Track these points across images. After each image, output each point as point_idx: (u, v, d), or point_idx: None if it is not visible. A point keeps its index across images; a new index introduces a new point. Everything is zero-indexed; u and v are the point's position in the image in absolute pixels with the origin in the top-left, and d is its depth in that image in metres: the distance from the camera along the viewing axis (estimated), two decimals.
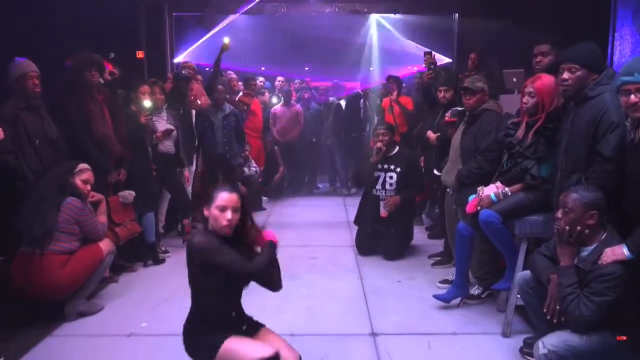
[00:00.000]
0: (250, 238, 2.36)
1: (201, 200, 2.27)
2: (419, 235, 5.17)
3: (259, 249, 2.35)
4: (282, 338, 2.38)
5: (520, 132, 3.11)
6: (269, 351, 2.16)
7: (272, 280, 2.37)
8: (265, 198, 7.10)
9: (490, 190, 3.16)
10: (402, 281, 4.06)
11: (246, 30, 8.67)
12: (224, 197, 2.22)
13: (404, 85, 6.91)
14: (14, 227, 3.22)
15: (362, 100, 7.78)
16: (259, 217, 5.52)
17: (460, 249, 3.40)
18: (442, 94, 4.23)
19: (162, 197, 4.80)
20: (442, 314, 3.42)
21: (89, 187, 3.46)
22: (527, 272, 2.73)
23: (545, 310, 2.46)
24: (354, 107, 7.73)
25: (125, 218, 4.05)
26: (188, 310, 2.25)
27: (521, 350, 2.83)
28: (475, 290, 3.60)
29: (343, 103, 7.94)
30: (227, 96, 5.80)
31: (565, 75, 2.68)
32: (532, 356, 2.57)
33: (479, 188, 3.23)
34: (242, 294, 2.38)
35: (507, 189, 3.12)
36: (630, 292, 2.26)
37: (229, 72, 7.13)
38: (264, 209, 6.69)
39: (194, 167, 5.36)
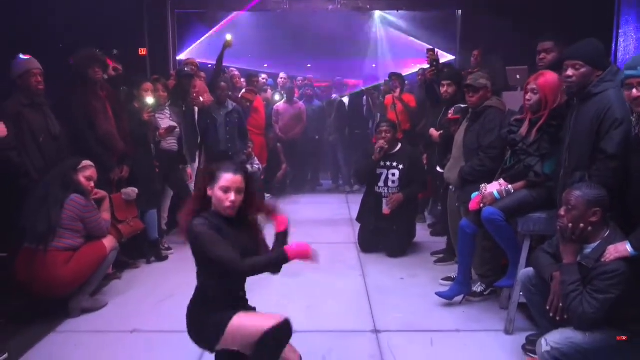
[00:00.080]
0: (254, 221, 2.33)
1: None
2: (422, 232, 5.17)
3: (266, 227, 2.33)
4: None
5: (523, 129, 3.11)
6: (279, 319, 2.14)
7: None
8: (268, 195, 7.10)
9: (493, 188, 3.15)
10: (404, 278, 4.06)
11: (249, 27, 8.67)
12: (228, 178, 2.18)
13: (406, 82, 6.89)
14: (18, 224, 3.24)
15: (364, 98, 7.76)
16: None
17: (462, 247, 3.40)
18: (444, 89, 4.22)
19: (164, 194, 4.81)
20: (445, 311, 3.42)
21: (92, 184, 3.47)
22: (530, 270, 2.73)
23: (548, 307, 2.46)
24: (356, 104, 7.72)
25: (128, 215, 4.06)
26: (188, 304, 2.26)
27: (524, 348, 2.83)
28: (477, 288, 3.60)
29: (346, 100, 7.93)
30: (230, 93, 5.80)
31: (569, 72, 2.67)
32: (534, 353, 2.56)
33: (482, 185, 3.22)
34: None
35: (510, 186, 3.12)
36: (633, 289, 2.25)
37: (231, 69, 7.13)
38: None
39: (196, 165, 5.36)
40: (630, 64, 2.34)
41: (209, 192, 2.22)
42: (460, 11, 7.33)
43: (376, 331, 3.15)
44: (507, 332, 3.07)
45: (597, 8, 5.39)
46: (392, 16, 9.14)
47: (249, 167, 6.19)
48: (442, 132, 4.30)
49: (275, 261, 2.20)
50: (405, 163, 4.60)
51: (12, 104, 3.43)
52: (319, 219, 6.09)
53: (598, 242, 2.36)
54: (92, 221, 3.39)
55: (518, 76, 4.52)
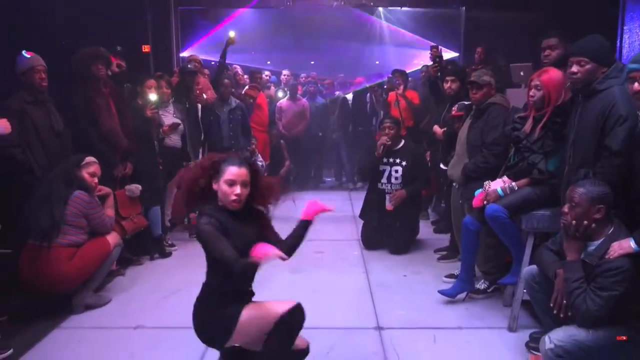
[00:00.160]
0: (261, 211, 2.32)
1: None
2: (425, 229, 5.17)
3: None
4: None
5: (527, 127, 3.09)
6: (291, 304, 2.15)
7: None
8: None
9: (497, 185, 3.14)
10: (407, 275, 4.06)
11: (252, 24, 8.67)
12: (233, 171, 2.16)
13: (410, 79, 6.88)
14: (22, 221, 3.25)
15: (368, 95, 7.75)
16: None
17: (466, 244, 3.40)
18: (448, 85, 4.21)
19: (168, 191, 4.81)
20: (448, 308, 3.42)
21: (96, 180, 3.48)
22: (534, 267, 2.72)
23: (551, 304, 2.45)
24: (360, 101, 7.71)
25: (132, 212, 4.07)
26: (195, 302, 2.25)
27: (527, 345, 2.82)
28: (481, 285, 3.59)
29: (350, 97, 7.92)
30: (233, 90, 5.80)
31: (574, 68, 2.65)
32: (538, 351, 2.56)
33: (486, 182, 3.21)
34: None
35: (514, 183, 3.11)
36: (637, 286, 2.24)
37: (234, 66, 7.13)
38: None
39: None
40: (636, 58, 2.35)
41: (214, 186, 2.19)
42: (463, 8, 7.31)
43: (379, 328, 3.15)
44: (511, 329, 3.06)
45: (601, 4, 5.36)
46: (395, 13, 9.12)
47: None
48: (445, 129, 4.29)
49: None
50: (409, 160, 4.59)
51: (16, 101, 3.44)
52: (322, 216, 5.99)
53: (602, 239, 2.35)
54: (96, 217, 3.40)
55: (522, 73, 4.50)
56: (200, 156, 5.41)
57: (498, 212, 3.04)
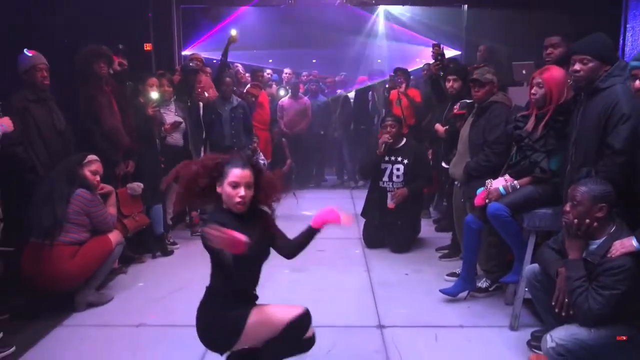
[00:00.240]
0: (266, 213, 2.30)
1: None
2: (427, 228, 5.16)
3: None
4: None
5: (529, 125, 3.09)
6: (300, 309, 2.15)
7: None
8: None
9: (499, 183, 3.14)
10: (409, 274, 4.06)
11: (253, 22, 8.66)
12: (237, 173, 2.14)
13: (412, 77, 6.87)
14: (24, 219, 3.25)
15: (370, 93, 7.75)
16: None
17: (468, 242, 3.39)
18: (450, 84, 4.20)
19: (170, 189, 4.81)
20: (450, 306, 3.42)
21: (98, 178, 3.48)
22: (536, 266, 2.72)
23: (553, 303, 2.45)
24: (362, 99, 7.71)
25: (134, 210, 4.07)
26: (197, 300, 2.23)
27: (529, 343, 2.82)
28: (483, 283, 3.59)
29: (352, 96, 7.91)
30: (235, 88, 5.79)
31: (577, 66, 2.65)
32: (539, 349, 2.56)
33: (488, 181, 3.21)
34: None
35: (515, 182, 3.10)
36: (639, 285, 2.24)
37: (235, 64, 7.12)
38: None
39: None
40: (638, 56, 2.34)
41: (218, 189, 2.18)
42: (465, 6, 7.29)
43: (380, 326, 3.15)
44: (512, 327, 3.06)
45: (604, 2, 5.35)
46: (397, 11, 9.11)
47: None
48: (447, 127, 4.28)
49: None
50: (410, 158, 4.59)
51: (18, 99, 3.44)
52: None
53: (604, 238, 2.34)
54: (98, 215, 3.40)
55: (524, 71, 4.49)
56: (202, 155, 5.41)
57: (500, 211, 3.03)
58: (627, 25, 5.16)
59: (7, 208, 3.09)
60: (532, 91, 3.06)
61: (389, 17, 9.46)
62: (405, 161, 4.58)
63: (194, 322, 3.11)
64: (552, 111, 2.98)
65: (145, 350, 2.88)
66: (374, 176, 4.77)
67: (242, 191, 2.13)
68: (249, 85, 6.72)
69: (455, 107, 4.07)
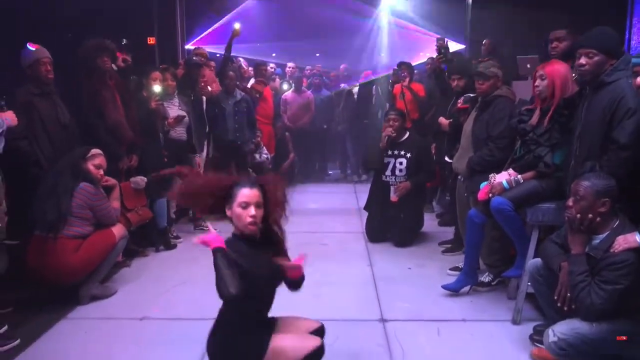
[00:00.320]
0: (277, 238, 2.26)
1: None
2: (430, 222, 5.16)
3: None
4: (296, 316, 2.38)
5: (534, 119, 3.07)
6: (315, 342, 2.14)
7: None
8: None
9: (502, 178, 3.13)
10: (412, 268, 4.06)
11: (257, 16, 8.64)
12: (246, 193, 2.11)
13: (415, 71, 6.85)
14: (29, 212, 3.27)
15: (374, 87, 7.73)
16: None
17: (470, 236, 3.39)
18: (455, 83, 4.19)
19: (173, 183, 4.82)
20: (452, 300, 3.42)
21: (101, 172, 3.49)
22: (538, 260, 2.72)
23: (555, 297, 2.45)
24: (365, 93, 7.69)
25: (137, 204, 4.08)
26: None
27: (531, 338, 2.82)
28: (485, 278, 3.59)
29: (355, 90, 7.89)
30: (238, 83, 5.79)
31: (583, 60, 2.63)
32: (541, 343, 2.56)
33: (491, 175, 3.20)
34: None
35: (519, 176, 3.10)
36: None
37: (238, 58, 7.11)
38: None
39: (204, 154, 5.38)
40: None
41: (228, 213, 2.15)
42: (470, 0, 7.26)
43: (383, 320, 3.15)
44: (515, 322, 3.06)
45: None
46: (401, 5, 9.07)
47: (257, 156, 6.20)
48: (451, 121, 4.27)
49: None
50: (413, 152, 4.58)
51: (22, 93, 3.45)
52: (327, 209, 6.10)
53: (607, 233, 2.34)
54: (101, 209, 3.41)
55: (529, 65, 4.47)
56: (205, 149, 5.41)
57: (503, 205, 3.03)
58: (634, 19, 5.13)
59: (11, 202, 3.10)
60: (536, 84, 3.05)
61: (393, 11, 9.42)
62: (408, 155, 4.58)
63: (197, 315, 3.16)
64: (557, 105, 2.97)
65: (148, 343, 2.90)
66: (377, 170, 4.76)
67: (252, 210, 2.10)
68: (252, 80, 6.72)
69: (459, 101, 4.05)
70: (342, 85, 8.41)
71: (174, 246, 4.59)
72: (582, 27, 3.00)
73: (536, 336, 2.78)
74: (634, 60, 2.32)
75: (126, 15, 5.52)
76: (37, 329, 3.02)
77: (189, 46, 7.25)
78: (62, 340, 2.94)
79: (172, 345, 2.86)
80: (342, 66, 8.81)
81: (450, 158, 4.13)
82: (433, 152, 5.03)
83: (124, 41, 4.82)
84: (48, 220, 3.20)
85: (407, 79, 6.24)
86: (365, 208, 4.93)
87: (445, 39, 4.78)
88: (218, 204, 2.18)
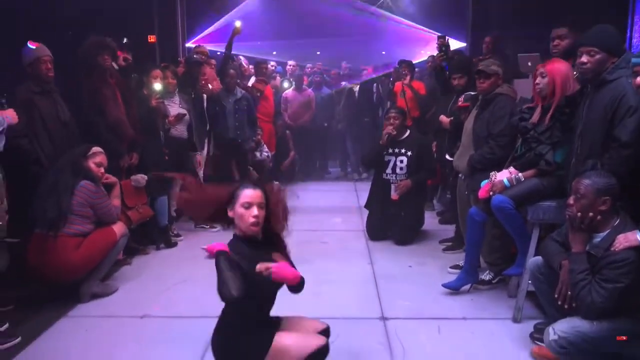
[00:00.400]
0: (280, 240, 2.25)
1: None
2: (430, 220, 5.16)
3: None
4: (302, 317, 2.38)
5: (535, 116, 3.07)
6: (320, 341, 2.14)
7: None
8: (277, 183, 7.09)
9: (503, 176, 3.13)
10: (412, 266, 4.06)
11: (258, 14, 8.63)
12: (248, 193, 2.11)
13: (416, 69, 6.84)
14: (29, 210, 3.27)
15: (375, 85, 7.72)
16: None
17: (471, 235, 3.39)
18: (456, 82, 4.18)
19: (173, 183, 4.83)
20: (453, 299, 3.42)
21: (102, 170, 3.49)
22: (539, 258, 2.72)
23: (556, 296, 2.45)
24: (366, 91, 7.68)
25: (138, 202, 4.08)
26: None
27: (531, 336, 2.82)
28: (486, 276, 3.59)
29: (356, 88, 7.88)
30: (238, 81, 5.79)
31: (584, 58, 2.62)
32: (542, 341, 2.56)
33: (492, 173, 3.20)
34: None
35: (520, 174, 3.09)
36: None
37: (238, 56, 7.10)
38: None
39: (205, 152, 5.38)
40: (638, 53, 2.33)
41: (230, 214, 2.15)
42: None
43: (384, 318, 3.16)
44: (515, 320, 3.06)
45: None
46: (402, 2, 9.05)
47: (257, 154, 6.20)
48: (452, 119, 4.27)
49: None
50: (414, 150, 4.58)
51: (23, 92, 3.45)
52: (327, 207, 6.10)
53: (607, 231, 2.34)
54: (102, 207, 3.42)
55: (530, 63, 4.45)
56: (206, 147, 5.41)
57: (504, 203, 3.02)
58: (635, 17, 5.11)
59: (12, 200, 3.10)
60: (536, 81, 3.05)
61: (394, 8, 9.40)
62: (409, 153, 4.58)
63: (198, 313, 3.16)
64: (557, 102, 2.97)
65: (149, 341, 2.90)
66: (377, 168, 4.76)
67: (255, 210, 2.10)
68: (253, 79, 6.71)
69: (459, 99, 4.05)
70: (343, 83, 8.40)
71: (175, 244, 4.59)
72: (583, 25, 2.99)
73: (537, 334, 2.78)
74: (634, 60, 2.31)
75: (127, 14, 5.51)
76: (38, 326, 3.02)
77: (189, 44, 7.24)
78: (63, 338, 2.94)
79: (173, 343, 2.86)
80: (343, 64, 8.79)
81: (451, 156, 4.12)
82: (434, 150, 5.02)
83: (125, 40, 4.81)
84: (48, 218, 3.20)
85: (408, 77, 6.23)
86: (366, 206, 4.93)
87: (447, 37, 4.78)
88: (219, 211, 2.18)
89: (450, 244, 4.44)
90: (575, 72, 2.96)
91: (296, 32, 9.43)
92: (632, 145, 2.46)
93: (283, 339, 2.15)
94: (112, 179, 3.65)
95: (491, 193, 3.12)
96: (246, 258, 2.05)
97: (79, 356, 2.76)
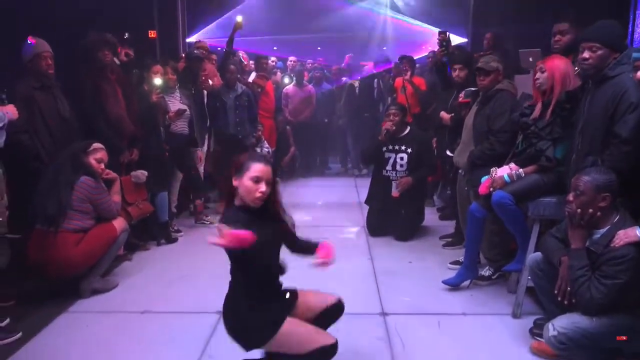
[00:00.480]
0: (278, 212, 2.27)
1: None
2: (430, 216, 5.16)
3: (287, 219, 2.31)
4: (316, 291, 2.44)
5: (536, 112, 3.06)
6: (330, 340, 2.14)
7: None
8: (277, 179, 7.08)
9: (504, 172, 3.13)
10: (412, 262, 4.06)
11: (258, 9, 8.61)
12: (259, 168, 2.11)
13: (417, 65, 6.82)
14: (29, 206, 3.27)
15: (375, 81, 7.71)
16: None
17: (471, 231, 3.39)
18: (456, 73, 4.17)
19: (174, 177, 4.83)
20: (453, 294, 3.43)
21: (102, 166, 3.49)
22: (538, 254, 2.72)
23: (556, 292, 2.45)
24: (367, 87, 7.67)
25: (138, 198, 4.09)
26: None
27: (531, 331, 2.83)
28: (486, 272, 3.59)
29: (357, 84, 7.86)
30: (239, 76, 5.78)
31: (586, 54, 2.61)
32: (541, 337, 2.57)
33: (492, 169, 3.20)
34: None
35: (520, 170, 3.09)
36: None
37: (239, 52, 7.09)
38: None
39: (205, 148, 5.38)
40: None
41: (235, 182, 2.15)
42: None
43: (384, 314, 3.16)
44: (515, 315, 3.07)
45: None
46: None
47: (258, 150, 6.19)
48: (453, 115, 4.26)
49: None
50: (414, 147, 4.57)
51: (23, 87, 3.44)
52: (328, 203, 6.10)
53: (607, 228, 2.34)
54: (102, 203, 3.42)
55: (531, 59, 4.44)
56: (207, 142, 5.41)
57: (504, 199, 3.02)
58: (637, 12, 5.09)
59: (12, 195, 3.11)
60: (536, 77, 3.05)
61: (395, 5, 9.37)
62: (409, 150, 4.57)
63: (198, 309, 3.17)
64: (558, 98, 2.96)
65: (150, 336, 2.90)
66: (377, 164, 4.76)
67: (263, 186, 2.11)
68: (253, 74, 6.70)
69: (460, 95, 4.04)
70: (344, 79, 8.38)
71: (175, 240, 4.59)
72: (584, 20, 2.97)
73: (536, 330, 2.79)
74: (635, 54, 2.31)
75: (127, 9, 5.49)
76: (39, 322, 3.03)
77: (190, 39, 7.22)
78: (64, 333, 2.95)
79: (174, 339, 2.87)
80: (347, 56, 8.76)
81: (452, 152, 4.12)
82: (434, 146, 5.02)
83: (126, 35, 4.80)
84: (49, 214, 3.20)
85: (409, 73, 6.23)
86: (366, 202, 4.94)
87: (448, 33, 4.76)
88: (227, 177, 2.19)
89: (450, 239, 4.44)
90: (576, 68, 2.95)
91: (297, 28, 9.41)
92: (633, 142, 2.45)
93: (293, 326, 2.15)
94: (113, 174, 3.65)
95: (491, 189, 3.12)
96: (246, 224, 2.03)
97: (79, 352, 2.76)
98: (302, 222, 4.95)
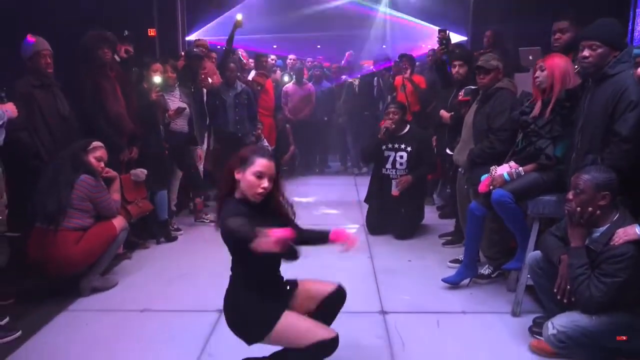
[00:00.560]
0: (279, 206, 2.27)
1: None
2: (430, 215, 5.16)
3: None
4: (315, 279, 2.45)
5: (536, 110, 3.06)
6: (331, 334, 2.13)
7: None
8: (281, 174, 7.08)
9: (504, 170, 3.13)
10: (412, 260, 4.07)
11: (258, 7, 8.60)
12: (264, 163, 2.09)
13: (417, 63, 6.81)
14: (29, 205, 3.27)
15: (375, 79, 7.70)
16: None
17: (470, 229, 3.39)
18: (456, 69, 4.16)
19: (174, 176, 4.83)
20: (452, 293, 3.43)
21: (102, 165, 3.49)
22: (538, 252, 2.72)
23: (555, 290, 2.45)
24: (366, 85, 7.67)
25: (137, 196, 4.08)
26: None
27: (530, 330, 2.83)
28: (485, 270, 3.59)
29: (356, 82, 7.86)
30: (239, 74, 5.77)
31: (586, 52, 2.60)
32: (541, 335, 2.57)
33: (492, 167, 3.20)
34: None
35: (520, 168, 3.09)
36: None
37: (239, 50, 7.08)
38: None
39: (205, 146, 5.37)
40: None
41: (237, 176, 2.13)
42: None
43: (383, 312, 3.16)
44: (514, 314, 3.07)
45: None
46: None
47: None
48: (452, 113, 4.26)
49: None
50: (414, 145, 4.57)
51: (22, 85, 3.44)
52: (327, 201, 6.10)
53: (607, 226, 2.34)
54: (102, 201, 3.42)
55: (531, 57, 4.43)
56: (206, 141, 5.41)
57: (504, 197, 3.02)
58: (637, 10, 5.08)
59: (12, 194, 3.10)
60: (535, 75, 3.04)
61: (395, 2, 9.36)
62: (409, 149, 4.57)
63: (198, 307, 3.17)
64: (557, 97, 2.96)
65: (149, 335, 2.91)
66: (377, 163, 4.76)
67: (266, 182, 2.10)
68: (253, 72, 6.69)
69: (460, 93, 4.04)
70: (344, 77, 8.37)
71: (175, 238, 4.59)
72: (584, 18, 2.97)
73: (535, 328, 2.79)
74: (636, 51, 2.30)
75: (127, 7, 5.49)
76: (39, 320, 3.03)
77: (190, 37, 7.21)
78: (63, 332, 2.95)
79: (173, 337, 2.87)
80: (347, 53, 8.75)
81: (451, 150, 4.12)
82: (434, 144, 5.02)
83: (126, 33, 4.80)
84: (48, 212, 3.20)
85: (408, 71, 6.22)
86: (366, 200, 4.94)
87: (447, 31, 4.76)
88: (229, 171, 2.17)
89: (449, 238, 4.44)
90: (576, 66, 2.95)
91: (296, 26, 9.41)
92: (633, 140, 2.45)
93: (292, 320, 2.14)
94: (112, 173, 3.64)
95: (491, 187, 3.12)
96: (247, 216, 2.03)
97: (79, 350, 2.77)
98: (302, 220, 4.94)
